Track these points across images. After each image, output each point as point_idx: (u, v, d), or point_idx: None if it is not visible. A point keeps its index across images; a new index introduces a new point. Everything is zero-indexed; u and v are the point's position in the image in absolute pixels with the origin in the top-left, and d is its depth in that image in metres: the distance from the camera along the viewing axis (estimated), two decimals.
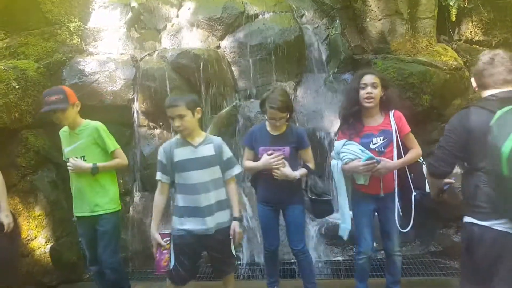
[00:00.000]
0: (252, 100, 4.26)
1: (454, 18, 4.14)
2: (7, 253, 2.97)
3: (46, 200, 3.74)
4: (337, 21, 4.35)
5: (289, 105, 2.75)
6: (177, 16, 4.63)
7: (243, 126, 4.13)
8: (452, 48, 4.21)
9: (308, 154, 2.87)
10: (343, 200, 2.76)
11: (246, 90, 4.31)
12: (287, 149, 2.75)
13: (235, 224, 2.62)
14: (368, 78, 2.65)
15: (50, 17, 4.26)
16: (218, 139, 2.69)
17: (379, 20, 4.15)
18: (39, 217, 3.75)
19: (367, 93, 2.61)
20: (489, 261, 1.96)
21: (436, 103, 3.89)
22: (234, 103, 4.26)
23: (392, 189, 2.69)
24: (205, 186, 2.54)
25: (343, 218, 2.78)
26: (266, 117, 2.81)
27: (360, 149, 2.60)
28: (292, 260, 3.92)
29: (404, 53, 4.14)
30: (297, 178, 2.76)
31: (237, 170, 2.69)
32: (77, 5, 4.56)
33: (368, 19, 4.19)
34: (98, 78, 4.06)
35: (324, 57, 4.36)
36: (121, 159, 2.97)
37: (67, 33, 4.30)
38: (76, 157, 2.84)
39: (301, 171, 2.80)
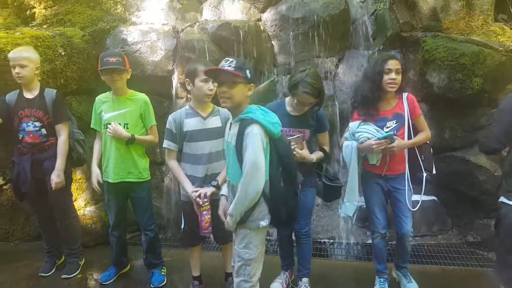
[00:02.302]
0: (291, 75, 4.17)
1: None
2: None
3: (87, 164, 3.87)
4: None
5: (321, 90, 2.66)
6: None
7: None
8: (511, 28, 3.88)
9: (325, 137, 2.85)
10: (354, 181, 2.76)
11: (285, 65, 4.21)
12: (307, 132, 2.70)
13: (206, 189, 2.57)
14: (393, 64, 2.65)
15: None
16: (225, 111, 2.66)
17: None
18: (80, 181, 3.93)
19: (391, 78, 2.63)
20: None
21: (488, 87, 3.63)
22: (272, 78, 4.18)
23: (403, 171, 2.74)
24: (209, 157, 2.63)
25: (351, 197, 2.79)
26: (293, 99, 2.65)
27: (375, 129, 2.65)
28: (321, 240, 3.94)
29: (456, 32, 3.88)
30: (313, 161, 2.70)
31: None
32: None
33: None
34: (140, 48, 4.11)
35: (370, 33, 4.16)
36: (155, 136, 3.11)
37: (111, 2, 4.36)
38: (119, 123, 2.92)
39: (318, 154, 2.76)
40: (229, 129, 2.24)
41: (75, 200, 3.86)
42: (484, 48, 3.64)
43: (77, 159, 3.33)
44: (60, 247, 3.50)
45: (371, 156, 2.72)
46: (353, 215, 2.90)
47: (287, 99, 2.78)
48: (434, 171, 2.80)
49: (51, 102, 3.05)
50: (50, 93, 3.09)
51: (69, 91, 3.95)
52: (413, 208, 2.76)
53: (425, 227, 3.92)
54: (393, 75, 2.63)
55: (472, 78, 3.59)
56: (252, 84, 2.12)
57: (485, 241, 3.74)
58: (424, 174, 2.74)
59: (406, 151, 2.73)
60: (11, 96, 3.07)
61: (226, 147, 2.28)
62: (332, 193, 2.83)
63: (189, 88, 2.67)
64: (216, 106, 2.75)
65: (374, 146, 2.59)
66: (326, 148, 2.82)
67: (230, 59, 2.07)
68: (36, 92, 3.06)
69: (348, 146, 2.76)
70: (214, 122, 2.67)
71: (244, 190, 2.01)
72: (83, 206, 3.92)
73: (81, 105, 4.03)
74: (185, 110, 2.72)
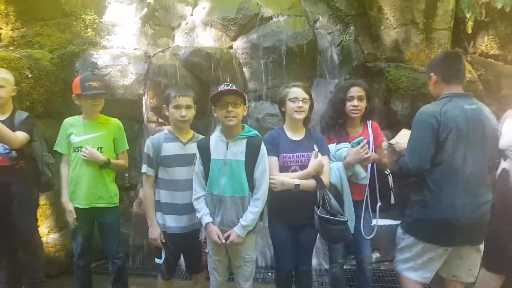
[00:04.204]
0: (261, 101, 4.25)
1: (470, 31, 4.10)
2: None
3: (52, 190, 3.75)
4: (351, 27, 4.31)
5: (310, 92, 2.64)
6: (192, 14, 4.63)
7: (251, 127, 4.10)
8: (466, 61, 4.16)
9: (325, 163, 2.55)
10: (348, 202, 2.60)
11: (256, 92, 4.29)
12: (310, 155, 2.53)
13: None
14: (355, 91, 2.70)
15: (67, 9, 4.30)
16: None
17: (394, 29, 4.12)
18: (44, 207, 3.76)
19: (354, 106, 2.68)
20: None
21: None
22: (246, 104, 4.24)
23: (362, 197, 2.73)
24: (188, 184, 2.54)
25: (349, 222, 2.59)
26: (285, 118, 2.65)
27: (351, 144, 2.66)
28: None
29: (417, 63, 4.11)
30: (295, 186, 2.43)
31: None
32: None
33: (382, 27, 4.16)
34: (110, 71, 4.08)
35: (336, 63, 4.33)
36: (125, 161, 3.08)
37: (82, 25, 4.33)
38: (92, 147, 2.86)
39: (308, 181, 2.47)
40: (226, 148, 2.35)
41: (38, 227, 3.69)
42: None
43: (45, 183, 3.20)
44: (21, 278, 3.31)
45: (359, 172, 2.64)
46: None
47: (284, 125, 2.67)
48: (392, 201, 2.79)
49: (19, 123, 2.94)
50: (22, 115, 2.99)
51: (35, 114, 3.81)
52: (368, 237, 2.72)
53: (394, 252, 3.97)
54: (355, 102, 2.67)
55: None
56: (246, 106, 2.46)
57: None
58: (379, 204, 2.75)
59: (368, 176, 2.73)
60: None
61: (222, 165, 2.35)
62: (336, 229, 2.42)
63: (166, 113, 2.68)
64: (196, 133, 2.75)
65: (361, 150, 2.56)
66: (324, 177, 2.51)
67: (229, 84, 2.33)
68: (7, 115, 2.95)
69: (333, 168, 2.59)
70: (195, 148, 2.60)
71: (264, 196, 2.34)
72: (46, 233, 3.74)
73: (47, 128, 3.91)
74: (164, 135, 2.69)
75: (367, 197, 2.76)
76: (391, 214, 2.94)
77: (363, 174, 2.66)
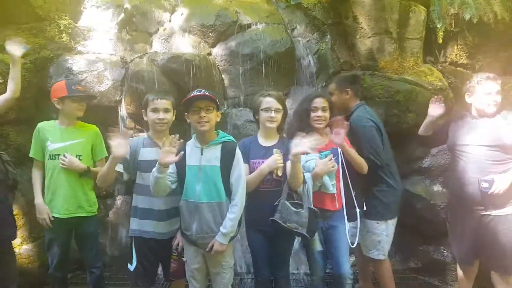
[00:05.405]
0: (241, 108, 4.26)
1: (440, 41, 4.24)
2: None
3: (24, 198, 3.64)
4: (328, 36, 4.38)
5: (284, 102, 2.74)
6: (170, 20, 4.61)
7: (230, 134, 4.08)
8: (437, 69, 4.31)
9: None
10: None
11: (235, 98, 4.30)
12: None
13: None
14: (319, 102, 2.77)
15: (40, 13, 4.20)
16: None
17: (369, 37, 4.22)
18: (16, 216, 3.59)
19: (318, 116, 2.75)
20: None
21: (420, 121, 3.90)
22: (222, 110, 4.23)
23: (340, 207, 2.76)
24: None
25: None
26: (259, 126, 2.76)
27: (319, 156, 2.68)
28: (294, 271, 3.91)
29: (391, 71, 4.22)
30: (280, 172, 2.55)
31: None
32: (68, 3, 4.51)
33: (358, 36, 4.25)
34: (86, 77, 4.00)
35: (313, 71, 4.38)
36: None
37: (56, 30, 4.23)
38: (71, 154, 2.80)
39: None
40: (201, 154, 2.35)
41: None
42: (416, 86, 3.98)
43: (13, 180, 3.07)
44: None
45: (327, 184, 2.68)
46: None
47: (258, 133, 2.78)
48: (364, 207, 2.90)
49: None
50: None
51: (6, 121, 3.72)
52: (353, 245, 2.74)
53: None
54: (319, 113, 2.74)
55: (407, 113, 3.91)
56: (219, 112, 2.47)
57: (426, 266, 3.96)
58: (358, 210, 2.79)
59: (342, 186, 2.77)
60: None
61: (196, 171, 2.34)
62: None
63: (145, 118, 2.68)
64: None
65: (329, 162, 2.58)
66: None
67: (202, 90, 2.35)
68: None
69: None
70: None
71: (241, 201, 2.35)
72: (18, 244, 3.61)
73: (19, 135, 3.81)
74: (142, 139, 2.66)
75: (343, 205, 2.78)
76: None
77: (330, 186, 2.70)
